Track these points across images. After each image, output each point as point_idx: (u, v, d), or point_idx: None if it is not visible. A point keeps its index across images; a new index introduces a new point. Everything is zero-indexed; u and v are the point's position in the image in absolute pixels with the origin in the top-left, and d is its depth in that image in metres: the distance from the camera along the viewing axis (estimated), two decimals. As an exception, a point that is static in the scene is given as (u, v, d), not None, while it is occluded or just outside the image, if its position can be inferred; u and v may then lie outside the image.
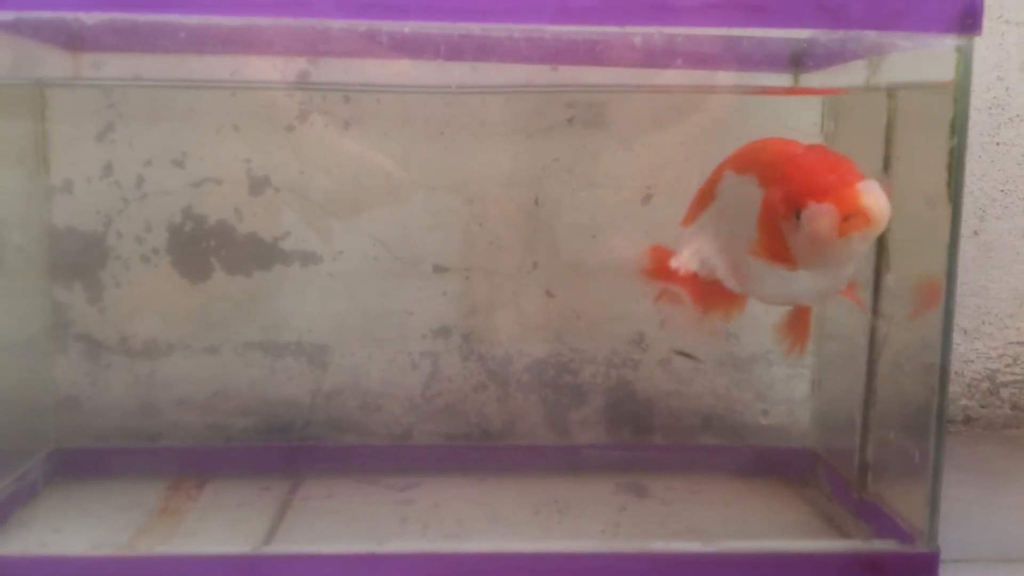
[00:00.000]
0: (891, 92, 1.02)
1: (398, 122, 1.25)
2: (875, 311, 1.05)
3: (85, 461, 1.20)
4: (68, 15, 0.83)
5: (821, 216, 0.81)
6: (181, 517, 1.07)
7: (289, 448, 1.27)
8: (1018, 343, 1.44)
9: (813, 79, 1.16)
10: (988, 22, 1.37)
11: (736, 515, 1.11)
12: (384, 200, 1.26)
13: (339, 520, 1.08)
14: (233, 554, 0.91)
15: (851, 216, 0.80)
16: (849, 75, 1.08)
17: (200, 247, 1.25)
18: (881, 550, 0.95)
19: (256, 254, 1.26)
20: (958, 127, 0.89)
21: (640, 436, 1.32)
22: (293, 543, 1.01)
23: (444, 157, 1.26)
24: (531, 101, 1.26)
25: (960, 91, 0.89)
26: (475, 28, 0.89)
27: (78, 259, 1.24)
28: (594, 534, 1.05)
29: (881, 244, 1.03)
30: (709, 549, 0.93)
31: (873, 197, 0.80)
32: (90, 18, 0.83)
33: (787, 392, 1.31)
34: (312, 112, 1.24)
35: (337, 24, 0.88)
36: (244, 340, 1.27)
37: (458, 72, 1.09)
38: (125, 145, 1.23)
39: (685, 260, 1.01)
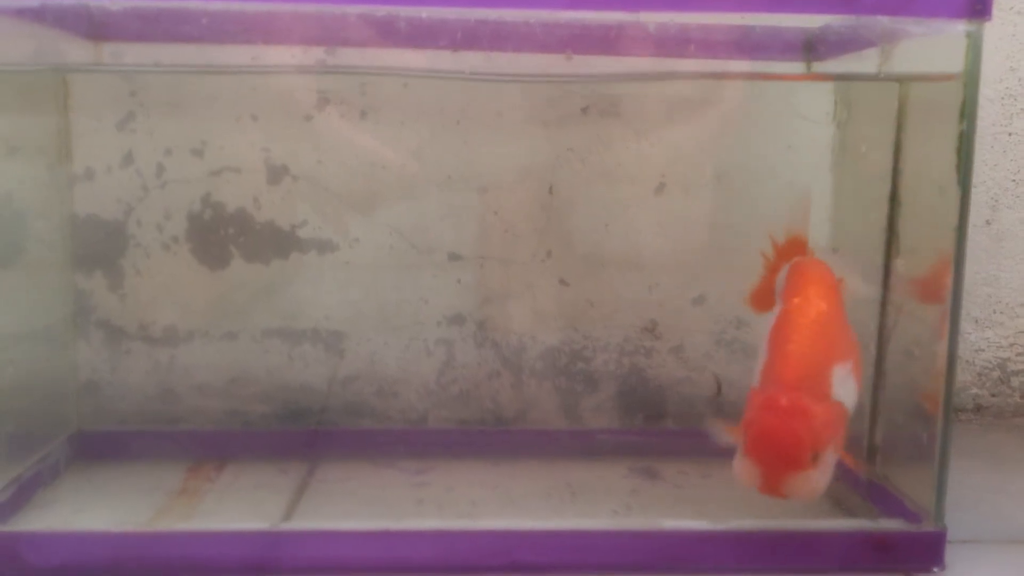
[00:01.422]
0: (903, 80, 1.02)
1: (414, 112, 1.27)
2: (884, 297, 1.06)
3: (106, 444, 1.22)
4: (94, 1, 0.84)
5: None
6: (201, 498, 1.09)
7: (306, 432, 1.28)
8: (1030, 333, 1.44)
9: (826, 67, 1.17)
10: (1001, 13, 1.37)
11: (746, 497, 1.12)
12: (400, 189, 1.28)
13: (356, 502, 1.10)
14: (253, 530, 0.92)
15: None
16: (861, 64, 1.09)
17: (219, 235, 1.27)
18: (888, 529, 0.96)
19: (274, 242, 1.28)
20: (967, 112, 0.90)
21: (652, 422, 1.33)
22: (311, 520, 1.02)
23: (459, 147, 1.27)
24: (546, 91, 1.27)
25: (970, 76, 0.90)
26: (491, 14, 0.90)
27: (99, 247, 1.26)
28: (606, 514, 1.06)
29: (891, 230, 1.04)
30: (719, 528, 0.94)
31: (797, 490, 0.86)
32: (115, 4, 0.85)
33: (799, 379, 1.32)
34: (330, 102, 1.26)
35: (355, 10, 0.89)
36: (262, 327, 1.29)
37: (473, 61, 1.10)
38: (145, 134, 1.25)
39: None
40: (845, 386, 0.92)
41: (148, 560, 0.91)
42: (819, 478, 0.87)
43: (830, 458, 0.88)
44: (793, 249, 1.05)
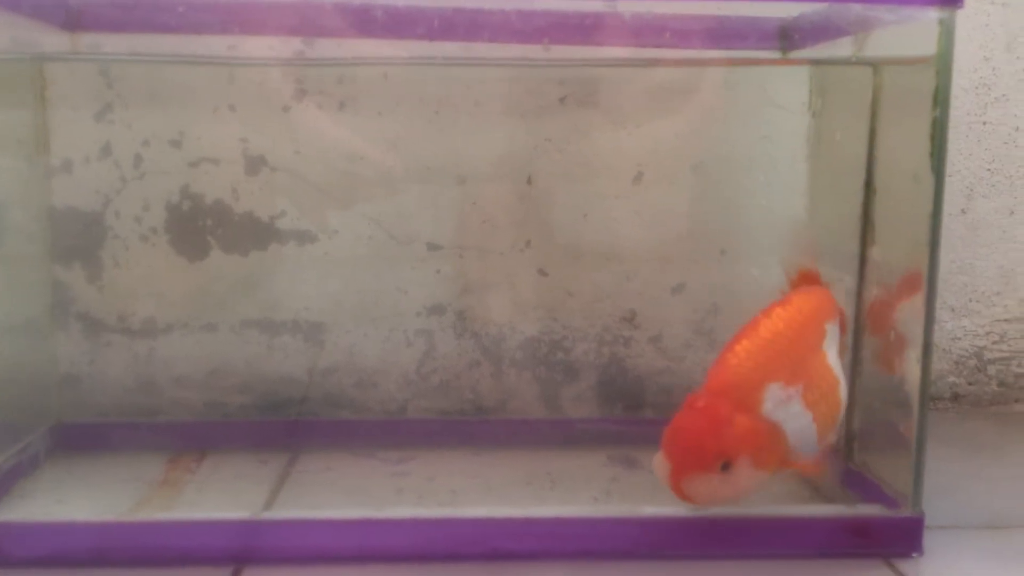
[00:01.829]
0: (876, 68, 1.03)
1: (392, 102, 1.27)
2: (860, 285, 1.07)
3: (86, 436, 1.22)
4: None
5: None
6: (181, 489, 1.09)
7: (286, 423, 1.28)
8: (1004, 320, 1.46)
9: (801, 56, 1.17)
10: (975, 3, 1.39)
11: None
12: (379, 180, 1.28)
13: (336, 491, 1.10)
14: (234, 519, 0.92)
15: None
16: (836, 51, 1.10)
17: (197, 226, 1.27)
18: (867, 515, 0.97)
19: (253, 233, 1.28)
20: (940, 99, 0.91)
21: (632, 412, 1.34)
22: (287, 511, 1.03)
23: (438, 137, 1.27)
24: (524, 81, 1.28)
25: (942, 63, 0.91)
26: (468, 2, 0.91)
27: (77, 239, 1.25)
28: (586, 502, 1.07)
29: (867, 218, 1.05)
30: (699, 514, 0.95)
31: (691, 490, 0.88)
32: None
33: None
34: (307, 92, 1.26)
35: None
36: (241, 318, 1.29)
37: (451, 51, 1.10)
38: (123, 125, 1.25)
39: None
40: (785, 409, 0.92)
41: (130, 550, 0.91)
42: (725, 487, 0.88)
43: (747, 472, 0.89)
44: (805, 283, 1.05)
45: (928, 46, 0.92)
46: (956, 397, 1.47)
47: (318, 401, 1.31)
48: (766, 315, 0.97)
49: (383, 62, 1.20)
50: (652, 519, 0.95)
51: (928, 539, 0.96)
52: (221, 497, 1.08)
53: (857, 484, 1.07)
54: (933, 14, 0.90)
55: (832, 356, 0.99)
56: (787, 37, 1.16)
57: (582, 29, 1.01)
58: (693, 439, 0.89)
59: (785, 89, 1.26)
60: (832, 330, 1.00)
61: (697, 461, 0.87)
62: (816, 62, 1.17)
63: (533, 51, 1.16)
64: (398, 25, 0.93)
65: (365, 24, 0.94)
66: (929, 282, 0.94)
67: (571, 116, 1.29)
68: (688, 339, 1.34)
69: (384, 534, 0.93)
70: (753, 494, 0.92)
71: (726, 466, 0.88)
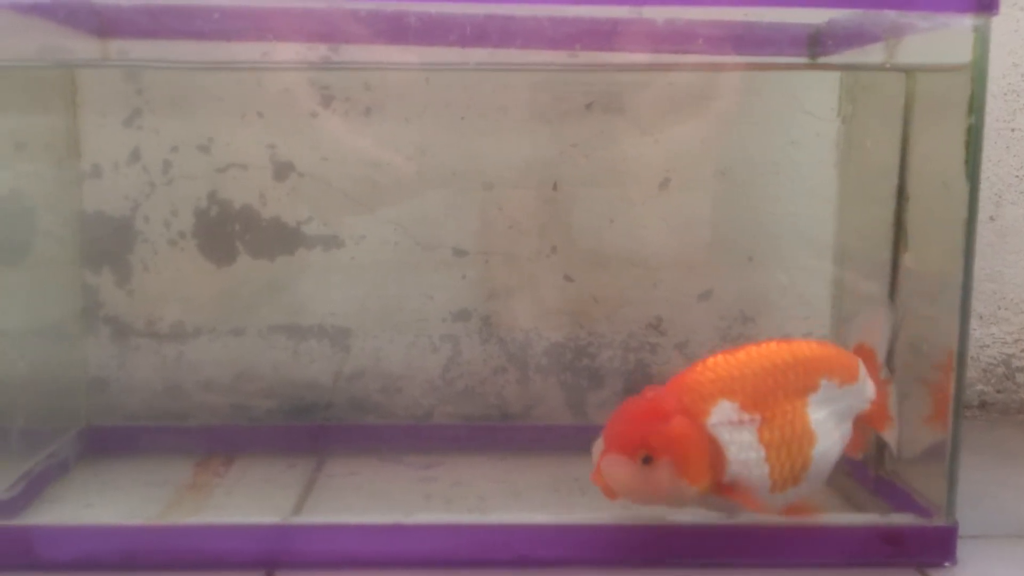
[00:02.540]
0: (909, 74, 1.03)
1: (418, 108, 1.27)
2: (893, 292, 1.06)
3: (114, 439, 1.22)
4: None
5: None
6: (209, 492, 1.09)
7: (313, 428, 1.29)
8: (1033, 328, 1.45)
9: (831, 61, 1.17)
10: (1005, 9, 1.36)
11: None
12: (405, 185, 1.28)
13: (364, 496, 1.10)
14: (265, 524, 0.93)
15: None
16: (866, 57, 1.10)
17: (225, 231, 1.27)
18: (900, 524, 0.96)
19: (280, 238, 1.28)
20: (976, 106, 0.91)
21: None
22: (318, 515, 1.03)
23: (464, 143, 1.28)
24: (550, 87, 1.28)
25: (978, 70, 0.90)
26: (500, 9, 0.91)
27: (106, 243, 1.26)
28: (614, 508, 1.06)
29: (899, 225, 1.04)
30: (729, 522, 0.94)
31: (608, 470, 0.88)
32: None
33: (804, 375, 1.32)
34: (334, 99, 1.26)
35: (367, 7, 0.89)
36: (268, 323, 1.29)
37: (481, 57, 1.10)
38: (152, 131, 1.25)
39: None
40: (733, 431, 0.90)
41: (161, 553, 0.91)
42: (640, 480, 0.87)
43: (667, 475, 0.87)
44: (861, 355, 1.02)
45: (961, 52, 0.91)
46: (984, 405, 1.46)
47: (344, 406, 1.31)
48: (759, 343, 0.96)
49: (411, 67, 1.20)
50: (683, 527, 0.94)
51: (959, 548, 0.96)
52: (250, 501, 1.08)
53: (888, 493, 1.06)
54: (968, 21, 0.90)
55: (818, 413, 0.94)
56: (817, 43, 1.15)
57: (614, 36, 1.01)
58: (624, 423, 0.89)
59: (814, 95, 1.26)
60: (829, 389, 0.96)
61: (621, 444, 0.87)
62: (850, 67, 1.17)
63: (559, 56, 1.16)
64: (432, 33, 0.94)
65: (399, 32, 0.94)
66: (964, 289, 0.93)
67: (597, 122, 1.29)
68: (715, 346, 1.33)
69: (414, 540, 0.93)
70: (676, 506, 0.90)
71: (648, 460, 0.87)
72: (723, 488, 0.90)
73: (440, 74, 1.25)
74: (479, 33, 0.94)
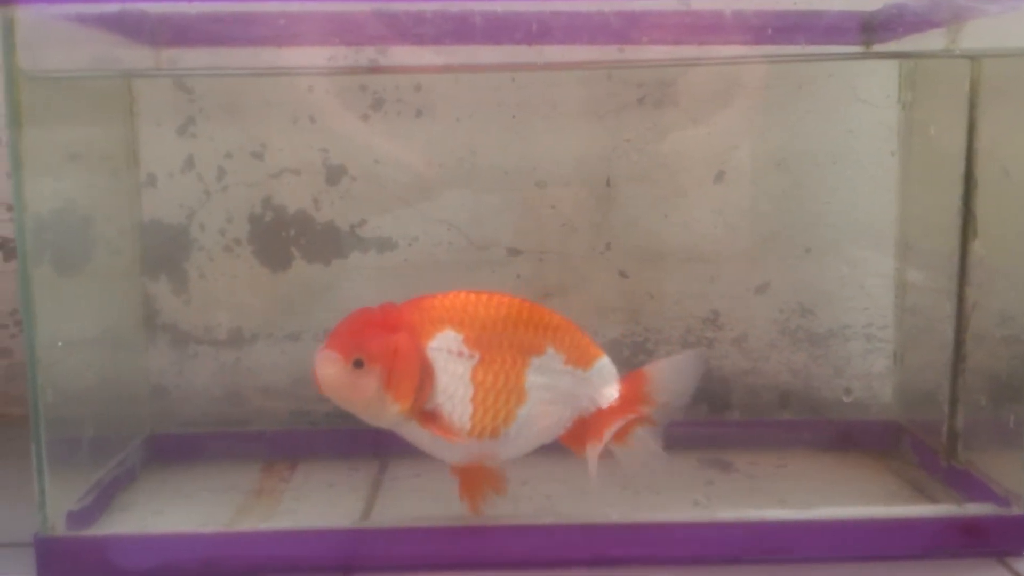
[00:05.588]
0: (975, 59, 1.01)
1: (469, 108, 1.27)
2: (961, 279, 1.05)
3: (178, 446, 1.23)
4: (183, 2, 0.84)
5: None
6: (279, 497, 1.09)
7: (373, 431, 1.28)
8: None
9: (890, 49, 1.15)
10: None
11: (824, 487, 1.12)
12: (457, 185, 1.28)
13: (429, 498, 1.10)
14: (340, 528, 0.93)
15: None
16: (926, 43, 1.08)
17: (280, 237, 1.28)
18: (977, 514, 0.95)
19: (334, 242, 1.28)
20: (1048, 90, 0.89)
21: (717, 414, 1.33)
22: (394, 518, 1.03)
23: (516, 141, 1.27)
24: (601, 82, 1.27)
25: (1050, 53, 0.89)
26: (565, 6, 0.90)
27: (163, 251, 1.26)
28: (687, 506, 1.06)
29: (968, 210, 1.03)
30: (806, 516, 0.93)
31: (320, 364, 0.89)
32: (193, 8, 0.85)
33: (865, 367, 1.31)
34: (385, 101, 1.26)
35: (432, 7, 0.89)
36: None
37: (527, 54, 1.10)
38: (205, 139, 1.26)
39: None
40: (448, 359, 0.91)
41: (238, 559, 0.91)
42: (347, 382, 0.89)
43: (373, 384, 0.88)
44: (635, 380, 1.01)
45: (1027, 35, 0.90)
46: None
47: (402, 408, 1.30)
48: (513, 296, 0.95)
49: (466, 68, 1.20)
50: (759, 523, 0.94)
51: (1037, 538, 0.95)
52: (318, 505, 1.08)
53: (962, 483, 1.05)
54: (1041, 3, 0.88)
55: (535, 377, 0.94)
56: (874, 30, 1.14)
57: (680, 28, 1.00)
58: (348, 324, 0.91)
59: (871, 83, 1.24)
60: (554, 359, 0.95)
61: (338, 343, 0.89)
62: (914, 55, 1.15)
63: (608, 53, 1.16)
64: (498, 31, 0.93)
65: (465, 32, 0.94)
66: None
67: (649, 116, 1.28)
68: (773, 339, 1.32)
69: (487, 541, 0.93)
70: (375, 421, 0.92)
71: (359, 363, 0.88)
72: (424, 415, 0.91)
73: (491, 73, 1.25)
74: (544, 30, 0.93)
